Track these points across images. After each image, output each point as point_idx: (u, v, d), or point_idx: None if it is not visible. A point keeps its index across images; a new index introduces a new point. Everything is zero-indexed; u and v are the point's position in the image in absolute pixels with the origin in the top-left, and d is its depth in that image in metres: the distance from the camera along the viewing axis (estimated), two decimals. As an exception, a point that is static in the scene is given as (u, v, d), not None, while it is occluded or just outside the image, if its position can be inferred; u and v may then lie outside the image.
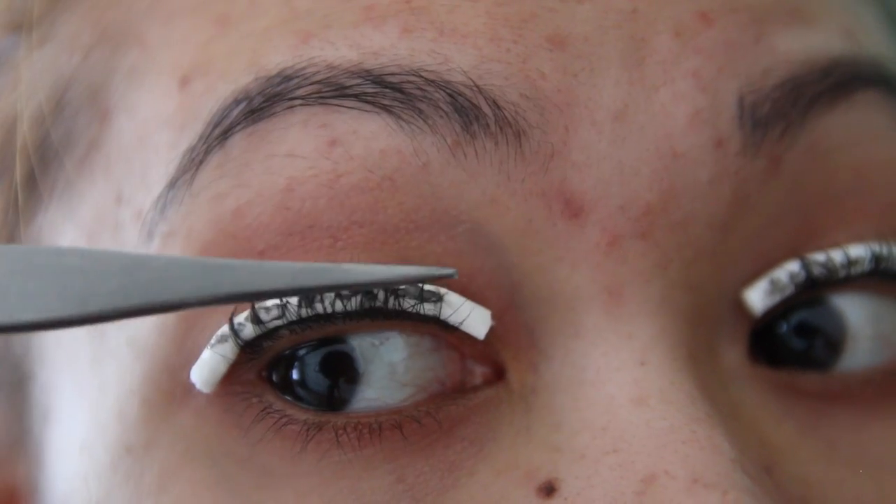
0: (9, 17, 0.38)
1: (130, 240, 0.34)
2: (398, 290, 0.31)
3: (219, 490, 0.32)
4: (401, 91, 0.32)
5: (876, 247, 0.34)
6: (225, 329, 0.32)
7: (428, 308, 0.32)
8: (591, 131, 0.32)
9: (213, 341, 0.32)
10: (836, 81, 0.34)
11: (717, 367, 0.33)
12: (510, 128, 0.32)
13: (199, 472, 0.32)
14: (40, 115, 0.36)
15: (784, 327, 0.35)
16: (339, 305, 0.31)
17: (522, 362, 0.33)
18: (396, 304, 0.31)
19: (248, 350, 0.32)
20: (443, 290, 0.32)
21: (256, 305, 0.32)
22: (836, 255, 0.34)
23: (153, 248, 0.33)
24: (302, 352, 0.32)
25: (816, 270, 0.34)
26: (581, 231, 0.32)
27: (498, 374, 0.33)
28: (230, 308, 0.32)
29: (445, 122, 0.32)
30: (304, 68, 0.32)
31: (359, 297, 0.31)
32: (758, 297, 0.34)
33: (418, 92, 0.32)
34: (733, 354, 0.34)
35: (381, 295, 0.31)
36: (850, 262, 0.34)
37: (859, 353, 0.35)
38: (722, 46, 0.33)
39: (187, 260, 0.29)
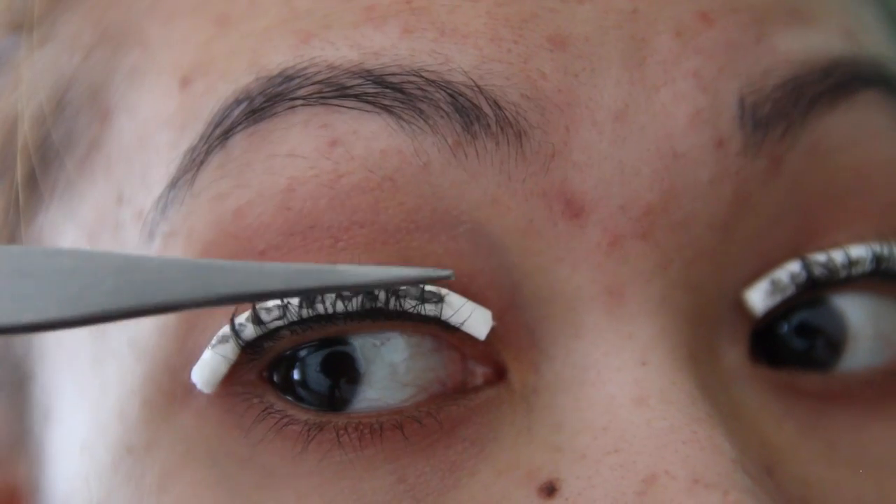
0: (9, 17, 0.38)
1: (131, 240, 0.34)
2: (399, 290, 0.31)
3: (220, 490, 0.32)
4: (401, 91, 0.32)
5: (877, 247, 0.34)
6: (226, 329, 0.32)
7: (429, 309, 0.32)
8: (592, 131, 0.32)
9: (214, 342, 0.32)
10: (837, 82, 0.34)
11: (718, 368, 0.33)
12: (511, 128, 0.32)
13: (200, 473, 0.32)
14: (41, 114, 0.36)
15: (785, 327, 0.35)
16: (340, 306, 0.31)
17: (523, 362, 0.33)
18: (397, 304, 0.32)
19: (249, 350, 0.32)
20: (444, 291, 0.32)
21: (257, 306, 0.32)
22: (837, 256, 0.34)
23: (154, 248, 0.33)
24: (303, 352, 0.32)
25: (817, 271, 0.34)
26: (582, 231, 0.32)
27: (499, 375, 0.33)
28: (231, 309, 0.32)
29: (446, 123, 0.32)
30: (305, 68, 0.32)
31: (360, 298, 0.31)
32: (759, 298, 0.34)
33: (419, 92, 0.32)
34: (734, 354, 0.34)
35: (382, 296, 0.31)
36: (851, 263, 0.34)
37: (860, 354, 0.35)
38: (722, 46, 0.33)
39: (183, 261, 0.29)
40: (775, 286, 0.34)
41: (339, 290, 0.30)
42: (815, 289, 0.34)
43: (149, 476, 0.33)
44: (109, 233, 0.34)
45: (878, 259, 0.34)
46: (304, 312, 0.31)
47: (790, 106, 0.33)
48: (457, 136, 0.32)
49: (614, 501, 0.30)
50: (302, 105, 0.32)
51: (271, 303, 0.31)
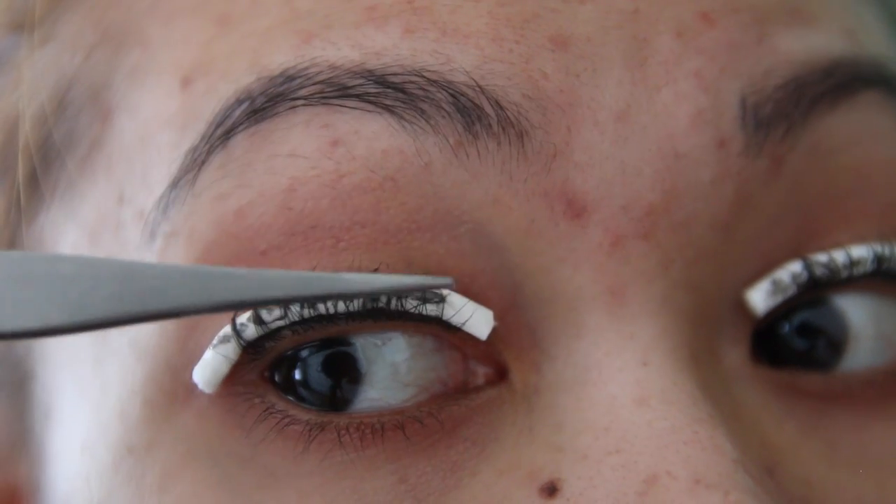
0: (10, 17, 0.38)
1: (132, 240, 0.34)
2: (400, 290, 0.32)
3: (221, 490, 0.32)
4: (403, 91, 0.32)
5: (878, 247, 0.34)
6: (227, 329, 0.32)
7: (430, 309, 0.32)
8: (594, 131, 0.32)
9: (215, 342, 0.32)
10: (838, 82, 0.34)
11: (719, 368, 0.33)
12: (512, 128, 0.32)
13: (201, 473, 0.32)
14: (42, 114, 0.36)
15: (786, 328, 0.35)
16: (341, 306, 0.31)
17: (525, 363, 0.33)
18: (399, 304, 0.32)
19: (250, 350, 0.32)
20: (445, 291, 0.32)
21: (258, 306, 0.32)
22: (839, 256, 0.34)
23: (155, 249, 0.33)
24: (304, 352, 0.32)
25: (818, 271, 0.34)
26: (583, 231, 0.32)
27: (500, 375, 0.33)
28: (232, 309, 0.32)
29: (448, 123, 0.32)
30: (306, 68, 0.32)
31: (361, 299, 0.31)
32: (760, 298, 0.34)
33: (420, 92, 0.32)
34: (735, 355, 0.34)
35: (383, 296, 0.31)
36: (853, 263, 0.34)
37: (861, 354, 0.35)
38: (724, 47, 0.33)
39: (184, 267, 0.29)
40: (776, 286, 0.34)
41: (340, 299, 0.30)
42: (816, 289, 0.34)
43: (150, 476, 0.33)
44: (110, 233, 0.34)
45: (879, 259, 0.34)
46: (306, 313, 0.31)
47: (791, 106, 0.33)
48: (458, 136, 0.32)
49: (615, 502, 0.30)
50: (303, 105, 0.32)
51: (272, 303, 0.31)
